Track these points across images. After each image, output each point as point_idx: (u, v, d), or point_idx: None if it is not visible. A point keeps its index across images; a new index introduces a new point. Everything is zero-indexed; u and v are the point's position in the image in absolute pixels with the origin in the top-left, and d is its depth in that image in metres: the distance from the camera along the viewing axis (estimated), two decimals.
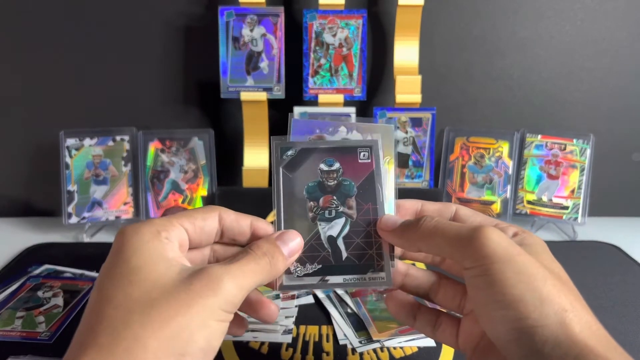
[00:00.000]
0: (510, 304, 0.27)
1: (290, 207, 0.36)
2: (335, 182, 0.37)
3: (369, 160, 0.37)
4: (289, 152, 0.37)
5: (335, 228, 0.36)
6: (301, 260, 0.35)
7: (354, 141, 0.38)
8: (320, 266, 0.35)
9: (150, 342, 0.25)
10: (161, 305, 0.26)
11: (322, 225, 0.36)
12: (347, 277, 0.35)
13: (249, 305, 0.34)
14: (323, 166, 0.37)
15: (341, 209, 0.36)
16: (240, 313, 0.34)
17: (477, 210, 0.37)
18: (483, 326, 0.30)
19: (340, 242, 0.36)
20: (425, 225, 0.32)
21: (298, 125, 0.38)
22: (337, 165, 0.37)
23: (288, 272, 0.35)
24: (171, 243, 0.30)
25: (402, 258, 0.38)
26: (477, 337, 0.33)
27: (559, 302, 0.27)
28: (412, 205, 0.37)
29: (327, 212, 0.36)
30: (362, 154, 0.37)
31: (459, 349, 0.35)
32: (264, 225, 0.35)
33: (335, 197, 0.36)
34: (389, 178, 0.37)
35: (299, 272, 0.35)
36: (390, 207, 0.37)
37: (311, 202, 0.36)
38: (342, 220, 0.36)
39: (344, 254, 0.35)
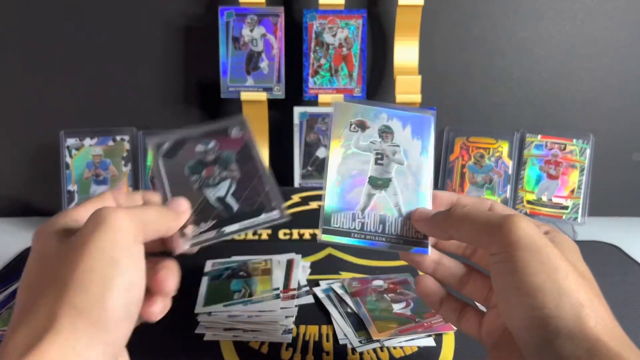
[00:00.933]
0: (529, 292, 0.28)
1: (175, 186, 0.38)
2: (214, 156, 0.39)
3: (240, 136, 0.40)
4: (165, 146, 0.39)
5: (222, 189, 0.38)
6: (195, 222, 0.37)
7: (222, 122, 0.40)
8: (214, 221, 0.37)
9: (66, 295, 0.25)
10: (67, 257, 0.27)
11: (208, 191, 0.38)
12: (243, 222, 0.37)
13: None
14: (200, 147, 0.39)
15: (224, 173, 0.39)
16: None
17: None
18: (501, 312, 0.31)
19: (230, 199, 0.38)
20: (456, 212, 0.33)
21: (340, 108, 0.39)
22: (212, 144, 0.40)
23: (184, 236, 0.36)
24: (72, 218, 0.31)
25: (435, 248, 0.38)
26: (499, 332, 0.34)
27: (577, 297, 0.27)
28: (449, 197, 0.38)
29: (210, 179, 0.39)
30: (232, 131, 0.40)
31: (481, 340, 0.35)
32: (153, 196, 0.37)
33: (216, 167, 0.39)
34: (425, 170, 0.39)
35: (195, 232, 0.36)
36: (427, 198, 0.38)
37: (195, 176, 0.39)
38: (227, 182, 0.39)
39: (235, 207, 0.38)
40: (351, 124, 0.39)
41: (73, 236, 0.28)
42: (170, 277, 0.32)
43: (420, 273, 0.38)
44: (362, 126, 0.39)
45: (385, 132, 0.39)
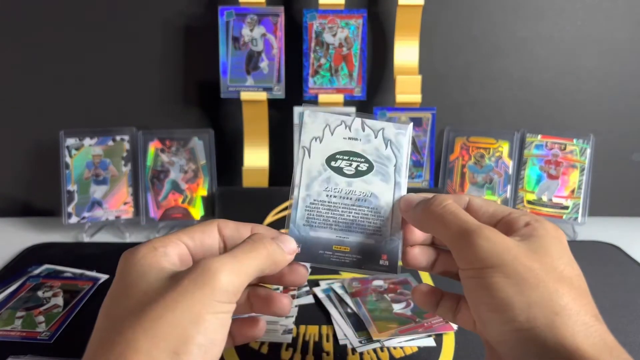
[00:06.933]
0: (499, 307, 0.28)
1: None
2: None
3: None
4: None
5: None
6: None
7: None
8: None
9: (142, 344, 0.25)
10: (150, 307, 0.26)
11: None
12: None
13: (260, 302, 0.35)
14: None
15: None
16: (256, 315, 0.35)
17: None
18: (477, 325, 0.31)
19: None
20: (434, 207, 0.33)
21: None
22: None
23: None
24: (169, 256, 0.31)
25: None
26: None
27: (549, 306, 0.27)
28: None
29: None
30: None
31: (476, 331, 0.35)
32: (264, 231, 0.35)
33: None
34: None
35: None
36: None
37: None
38: None
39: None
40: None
41: (170, 280, 0.28)
42: (256, 333, 0.35)
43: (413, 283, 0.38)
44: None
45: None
